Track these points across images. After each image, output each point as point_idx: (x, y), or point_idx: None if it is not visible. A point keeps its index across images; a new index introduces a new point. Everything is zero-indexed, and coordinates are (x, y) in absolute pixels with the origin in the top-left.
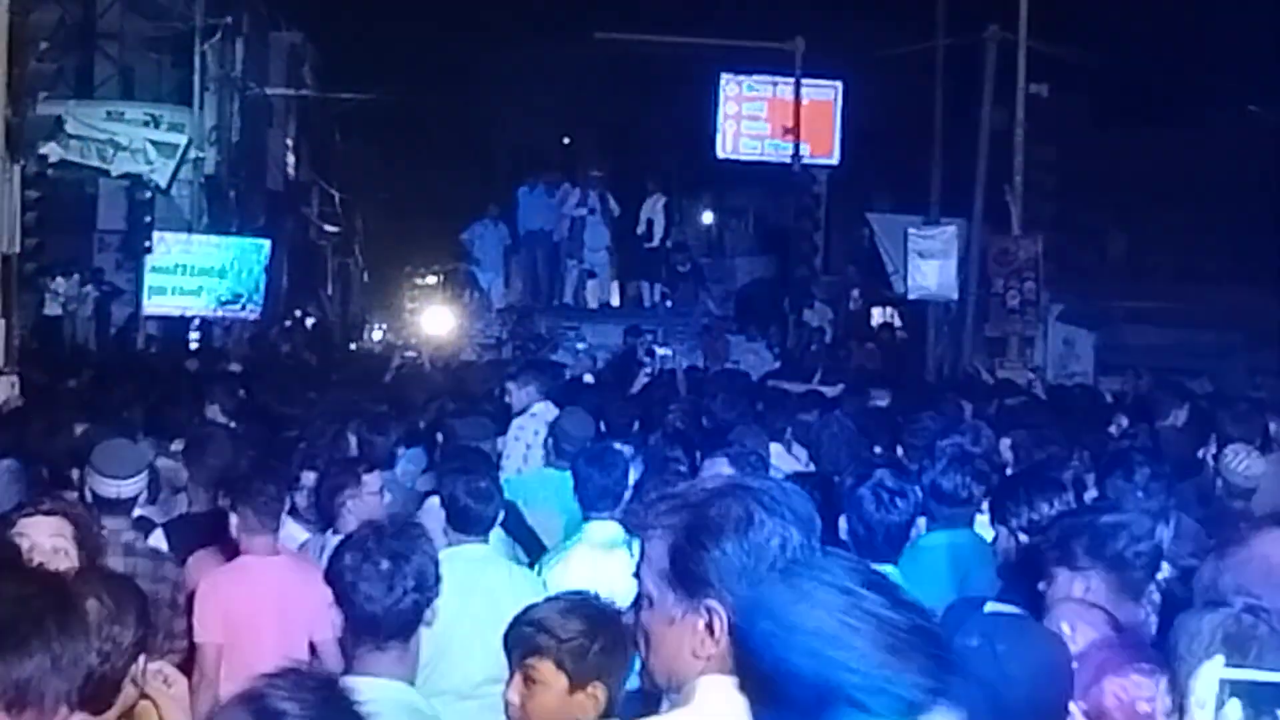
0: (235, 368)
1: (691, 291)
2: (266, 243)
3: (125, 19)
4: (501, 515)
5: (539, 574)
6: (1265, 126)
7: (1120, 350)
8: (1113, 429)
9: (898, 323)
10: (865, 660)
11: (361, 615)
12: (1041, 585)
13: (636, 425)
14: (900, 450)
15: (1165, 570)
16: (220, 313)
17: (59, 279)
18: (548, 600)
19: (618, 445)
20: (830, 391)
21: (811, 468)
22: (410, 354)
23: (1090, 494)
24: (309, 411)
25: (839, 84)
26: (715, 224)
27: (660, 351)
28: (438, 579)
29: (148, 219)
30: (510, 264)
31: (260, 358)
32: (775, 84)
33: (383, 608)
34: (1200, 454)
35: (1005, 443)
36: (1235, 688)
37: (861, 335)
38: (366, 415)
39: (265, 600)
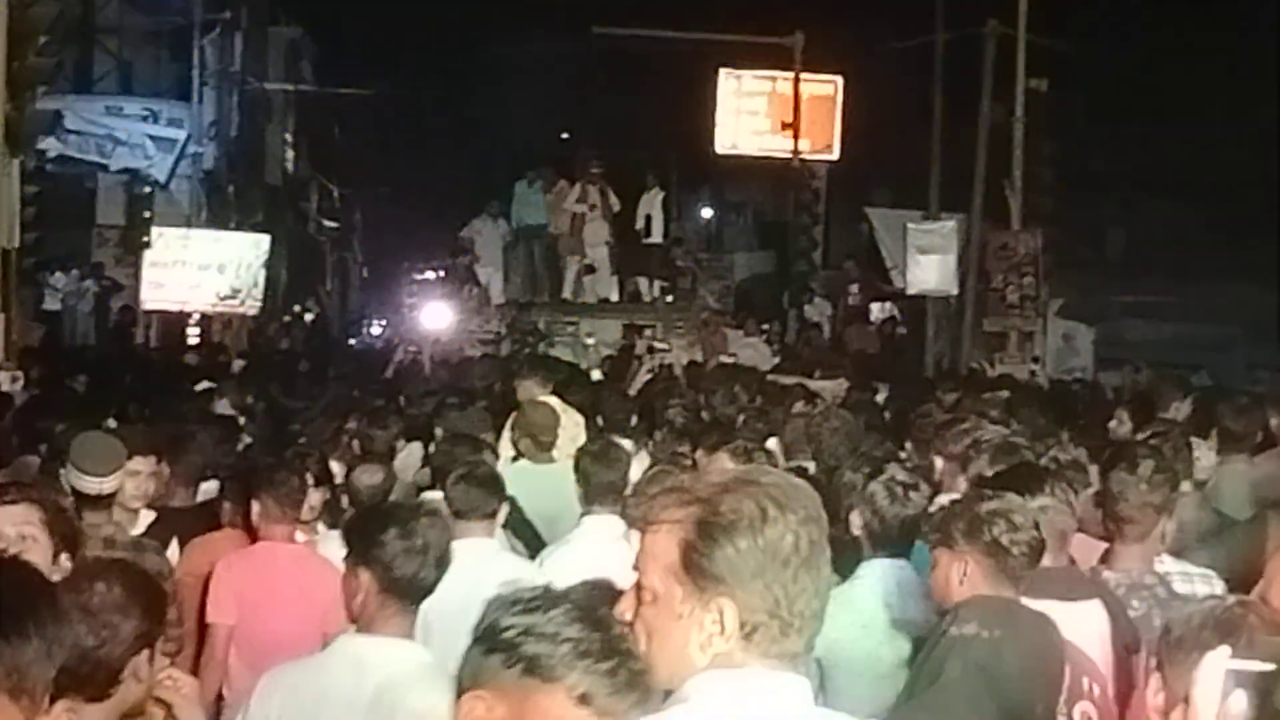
0: (238, 365)
1: (690, 286)
2: (265, 238)
3: (124, 14)
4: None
5: (540, 568)
6: (1265, 121)
7: (1119, 345)
8: (1113, 424)
9: (897, 318)
10: None
11: (396, 583)
12: (932, 569)
13: (635, 421)
14: (910, 443)
15: (1167, 563)
16: (219, 308)
17: (58, 274)
18: (540, 604)
19: (617, 440)
20: (814, 385)
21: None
22: (411, 349)
23: (1092, 487)
24: (311, 406)
25: (838, 79)
26: (714, 219)
27: (659, 347)
28: (447, 561)
29: (147, 214)
30: (509, 260)
31: (262, 353)
32: (774, 79)
33: (414, 577)
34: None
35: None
36: (1240, 678)
37: (861, 329)
38: (366, 410)
39: (279, 586)
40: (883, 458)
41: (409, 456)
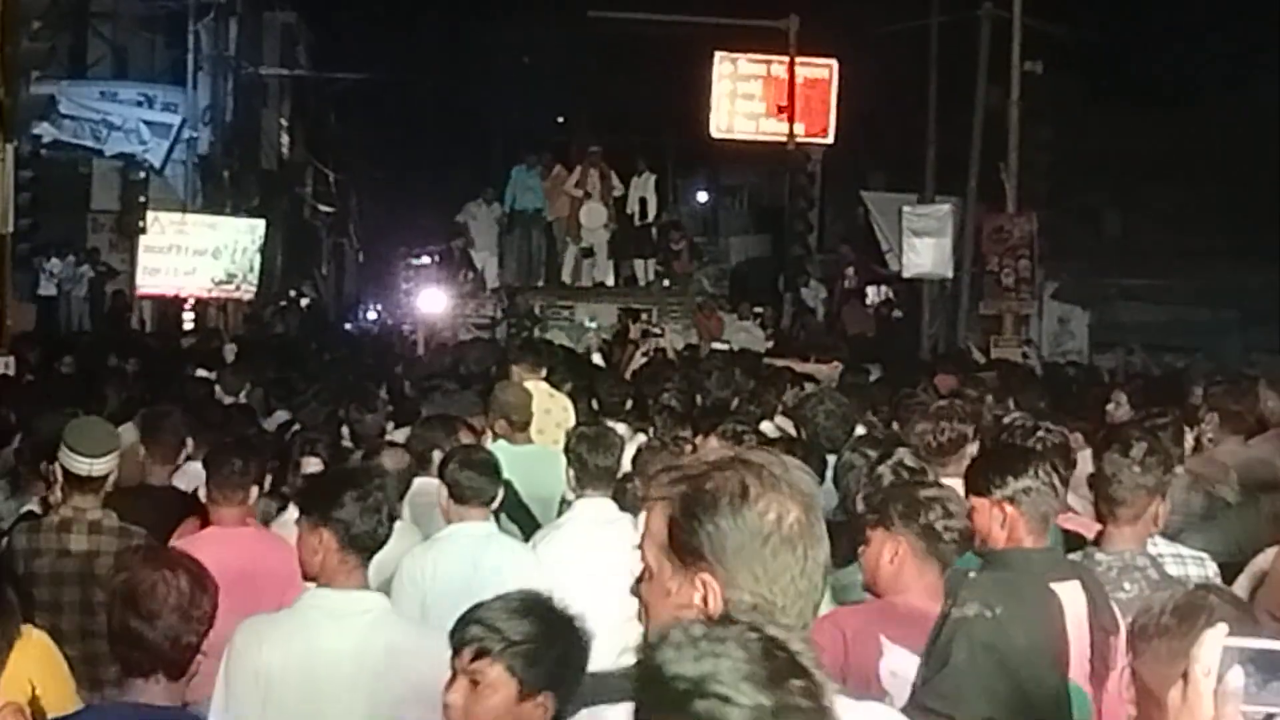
0: (230, 353)
1: (686, 270)
2: (261, 223)
3: None
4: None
5: (533, 549)
6: (1261, 104)
7: (1115, 328)
8: (1110, 406)
9: (893, 301)
10: None
11: (355, 539)
12: (861, 548)
13: (630, 405)
14: (896, 424)
15: (1160, 545)
16: (215, 293)
17: (53, 259)
18: (500, 598)
19: (611, 424)
20: (807, 368)
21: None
22: (409, 331)
23: (1086, 468)
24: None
25: (833, 62)
26: (710, 203)
27: (654, 332)
28: (397, 515)
29: (142, 199)
30: (504, 244)
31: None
32: (769, 62)
33: (369, 534)
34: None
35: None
36: (1238, 655)
37: (858, 311)
38: (357, 394)
39: (228, 570)
40: (891, 441)
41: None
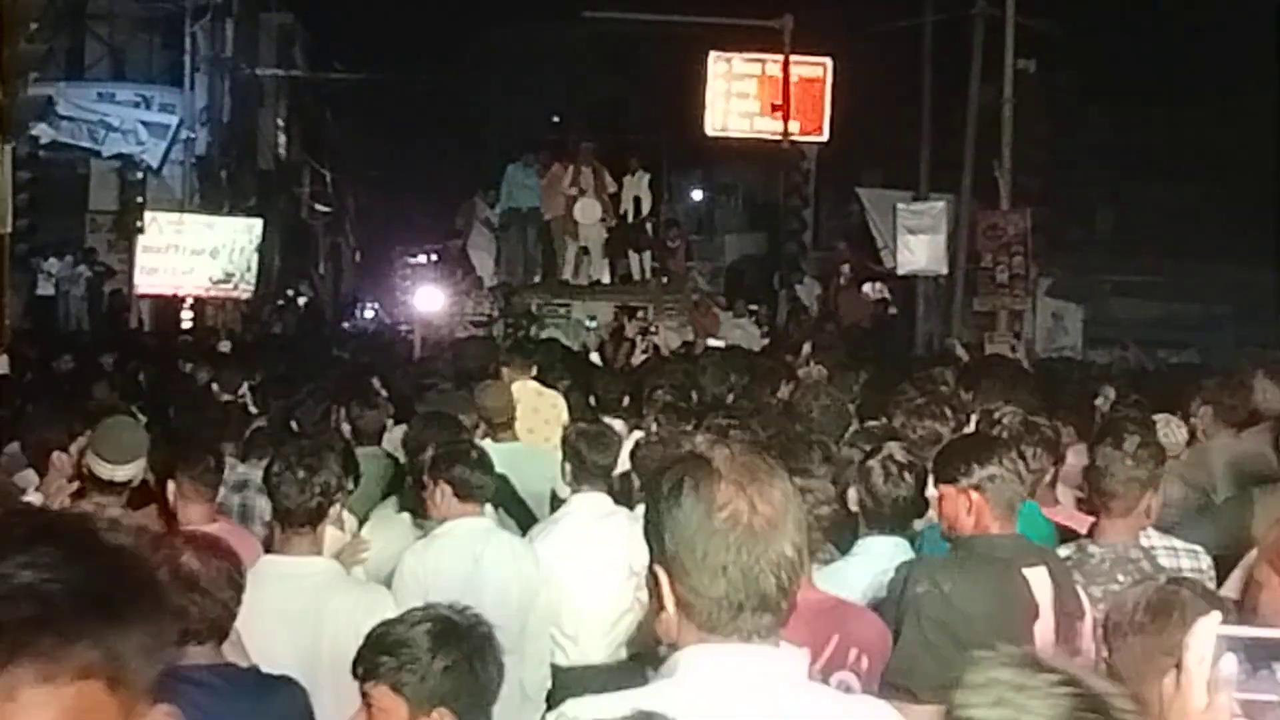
0: (225, 347)
1: (681, 268)
2: (258, 222)
3: (115, 0)
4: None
5: (529, 544)
6: (1251, 101)
7: (1108, 324)
8: (1099, 400)
9: (888, 298)
10: None
11: (282, 508)
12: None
13: (627, 401)
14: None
15: (1153, 537)
16: (212, 292)
17: (51, 259)
18: (397, 619)
19: (608, 420)
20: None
21: None
22: (406, 330)
23: (1075, 460)
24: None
25: (828, 61)
26: (705, 201)
27: (650, 330)
28: (341, 488)
29: (139, 199)
30: (501, 243)
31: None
32: (764, 61)
33: (296, 503)
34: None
35: None
36: (1230, 643)
37: (854, 300)
38: (356, 391)
39: None
40: (883, 435)
41: (399, 436)
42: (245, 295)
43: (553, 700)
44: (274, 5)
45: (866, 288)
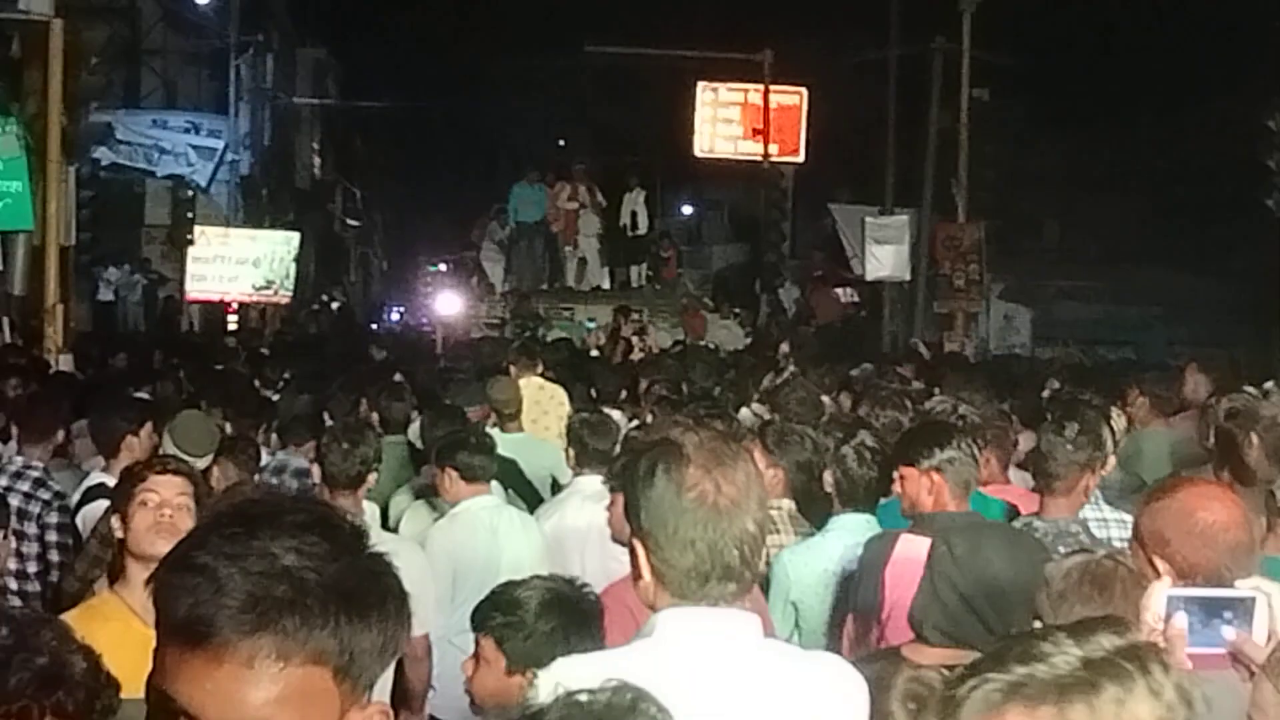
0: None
1: (673, 275)
2: (295, 235)
3: (167, 36)
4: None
5: (536, 521)
6: (1184, 124)
7: (1054, 324)
8: (1046, 392)
9: (858, 301)
10: None
11: (329, 474)
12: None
13: (624, 394)
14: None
15: (1086, 510)
16: (255, 298)
17: (111, 269)
18: (518, 582)
19: (608, 410)
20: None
21: None
22: (428, 331)
23: (1025, 445)
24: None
25: (804, 90)
26: (695, 215)
27: (644, 331)
28: (379, 458)
29: (190, 215)
30: (510, 254)
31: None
32: (747, 90)
33: (341, 469)
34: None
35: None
36: (1183, 602)
37: (827, 299)
38: (384, 385)
39: None
40: (854, 424)
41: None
42: (284, 300)
43: None
44: (309, 41)
45: (838, 292)
